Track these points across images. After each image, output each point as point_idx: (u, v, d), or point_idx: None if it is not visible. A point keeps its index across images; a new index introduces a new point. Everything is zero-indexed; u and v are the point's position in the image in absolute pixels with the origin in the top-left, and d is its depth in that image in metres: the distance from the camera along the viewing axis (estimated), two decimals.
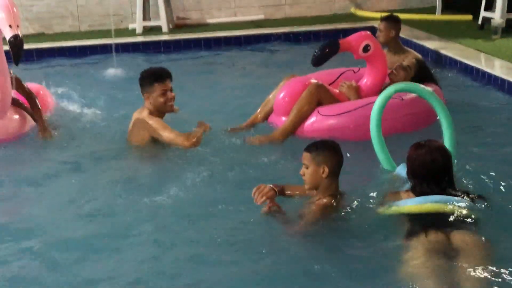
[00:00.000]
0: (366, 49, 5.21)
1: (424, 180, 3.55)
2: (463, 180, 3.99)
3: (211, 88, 6.80)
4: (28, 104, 5.49)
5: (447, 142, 4.17)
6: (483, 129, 5.31)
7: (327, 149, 3.75)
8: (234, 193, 4.21)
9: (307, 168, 3.73)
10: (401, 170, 4.00)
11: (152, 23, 9.88)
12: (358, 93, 5.25)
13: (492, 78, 6.33)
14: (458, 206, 3.44)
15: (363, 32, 5.34)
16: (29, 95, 5.50)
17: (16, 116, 5.42)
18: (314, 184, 3.75)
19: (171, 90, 5.00)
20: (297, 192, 3.94)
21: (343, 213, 3.71)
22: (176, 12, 10.41)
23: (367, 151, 4.47)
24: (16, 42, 4.74)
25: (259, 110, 5.46)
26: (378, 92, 5.05)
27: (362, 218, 3.68)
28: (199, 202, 4.14)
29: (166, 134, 4.89)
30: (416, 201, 3.52)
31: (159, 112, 5.01)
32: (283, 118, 5.19)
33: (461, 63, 6.92)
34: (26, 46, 5.28)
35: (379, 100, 4.35)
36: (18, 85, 5.39)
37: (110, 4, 9.62)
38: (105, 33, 9.17)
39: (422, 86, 4.46)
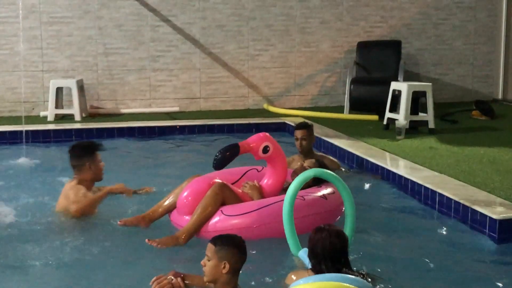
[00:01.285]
0: (265, 150, 5.34)
1: (322, 260, 3.80)
2: (358, 262, 4.23)
3: (120, 178, 6.73)
4: None
5: (347, 226, 4.58)
6: (382, 221, 5.53)
7: (232, 245, 3.71)
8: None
9: (208, 260, 3.68)
10: (304, 253, 4.20)
11: (64, 111, 9.82)
12: (261, 193, 5.33)
13: (396, 177, 6.58)
14: (353, 283, 3.55)
15: (261, 134, 5.46)
16: None
17: None
18: (213, 278, 3.69)
19: (100, 161, 5.52)
20: (197, 282, 3.89)
21: None
22: (90, 101, 10.40)
23: (270, 248, 4.65)
24: None
25: (158, 204, 5.36)
26: (279, 191, 5.29)
27: None
28: None
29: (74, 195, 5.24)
30: (314, 279, 3.64)
31: (90, 180, 5.46)
32: (186, 217, 5.10)
33: (367, 161, 7.18)
34: None
35: (294, 184, 4.56)
36: None
37: (22, 91, 9.54)
38: (15, 120, 9.02)
39: (330, 172, 4.73)
